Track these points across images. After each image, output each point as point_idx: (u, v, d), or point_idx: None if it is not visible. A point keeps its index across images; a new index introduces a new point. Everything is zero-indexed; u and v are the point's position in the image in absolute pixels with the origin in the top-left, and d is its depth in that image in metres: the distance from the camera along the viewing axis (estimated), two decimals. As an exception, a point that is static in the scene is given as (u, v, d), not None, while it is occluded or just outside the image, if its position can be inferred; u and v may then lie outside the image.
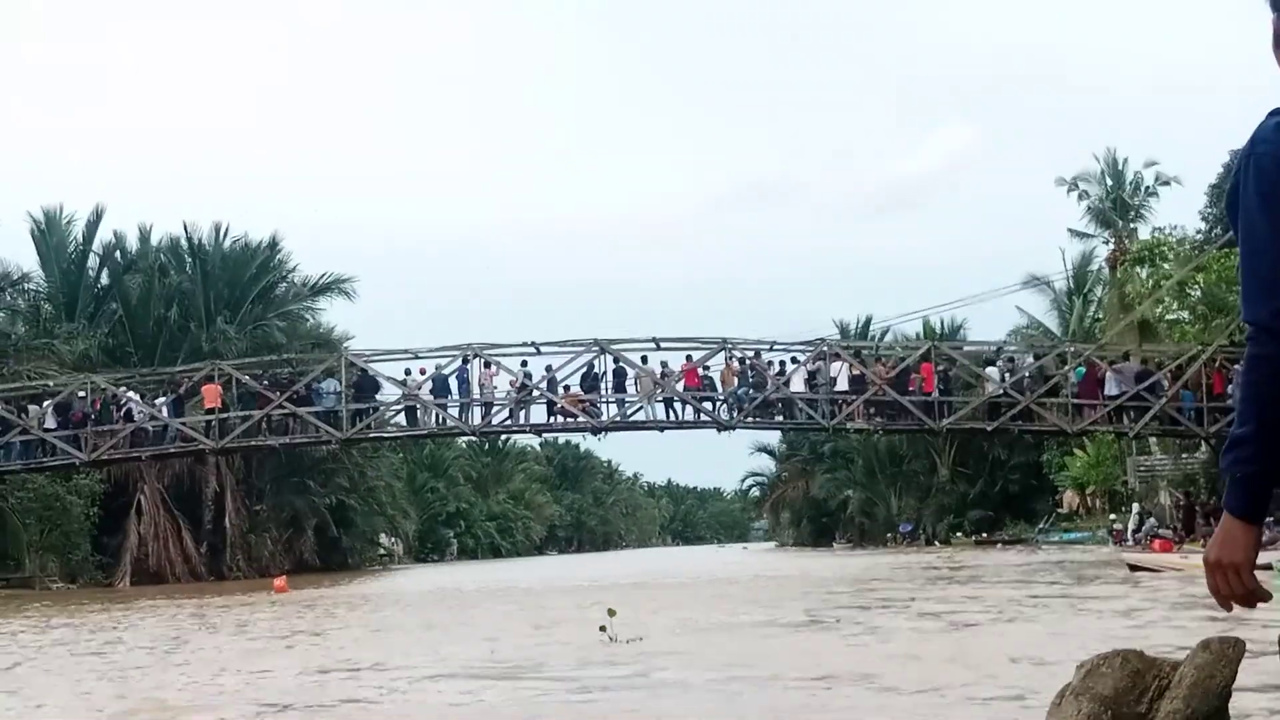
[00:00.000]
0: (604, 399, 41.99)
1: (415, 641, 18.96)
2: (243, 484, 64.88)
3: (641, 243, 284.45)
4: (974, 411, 43.48)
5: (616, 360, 41.58)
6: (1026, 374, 43.30)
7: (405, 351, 42.55)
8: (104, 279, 67.28)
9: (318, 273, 71.79)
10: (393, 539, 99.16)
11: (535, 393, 41.68)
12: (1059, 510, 73.82)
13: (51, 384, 45.71)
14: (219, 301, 66.52)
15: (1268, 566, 17.89)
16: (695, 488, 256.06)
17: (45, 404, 43.34)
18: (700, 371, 41.90)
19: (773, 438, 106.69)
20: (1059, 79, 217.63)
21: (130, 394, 43.59)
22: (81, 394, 43.43)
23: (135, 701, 12.77)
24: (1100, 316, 65.73)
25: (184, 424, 43.51)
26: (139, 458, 46.42)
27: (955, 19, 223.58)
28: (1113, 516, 58.66)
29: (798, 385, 42.09)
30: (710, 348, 42.16)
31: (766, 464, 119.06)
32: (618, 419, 42.30)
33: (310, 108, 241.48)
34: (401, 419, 44.49)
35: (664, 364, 41.67)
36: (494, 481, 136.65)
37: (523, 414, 42.72)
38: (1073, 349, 46.15)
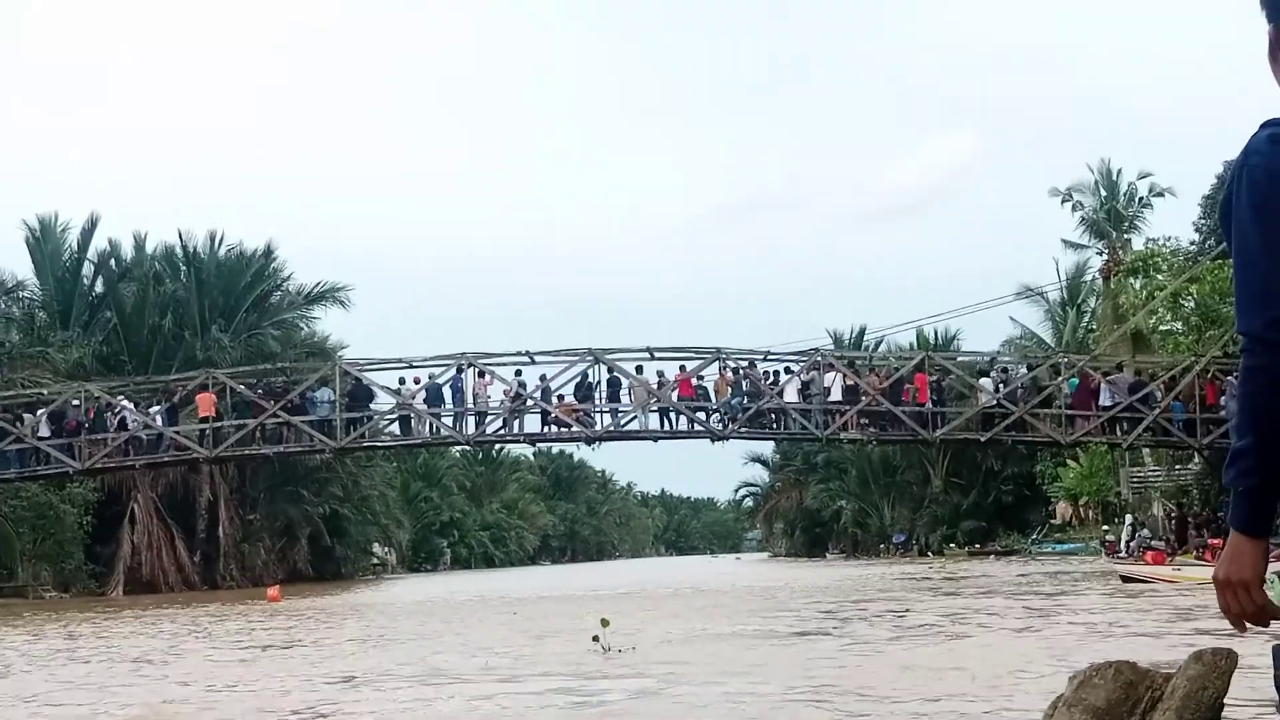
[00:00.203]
0: (598, 408, 41.98)
1: (408, 652, 18.93)
2: (236, 493, 64.82)
3: (638, 251, 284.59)
4: (967, 422, 43.51)
5: (611, 370, 41.59)
6: (1020, 385, 43.30)
7: (399, 361, 42.49)
8: (99, 287, 67.22)
9: (312, 281, 71.79)
10: (386, 548, 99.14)
11: (529, 402, 41.66)
12: (1052, 521, 73.83)
13: (46, 392, 45.64)
14: (214, 310, 66.43)
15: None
16: (689, 498, 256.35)
17: (39, 412, 43.26)
18: (694, 381, 41.89)
19: (766, 448, 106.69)
20: (1054, 91, 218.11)
21: (124, 402, 43.51)
22: (75, 402, 43.34)
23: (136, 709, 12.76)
24: (1094, 327, 65.76)
25: (178, 433, 43.45)
26: (133, 466, 46.33)
27: (952, 30, 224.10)
28: (1106, 528, 58.69)
29: (791, 395, 42.10)
30: (704, 357, 42.15)
31: (760, 474, 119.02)
32: (612, 429, 42.25)
33: (308, 114, 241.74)
34: (395, 428, 44.45)
35: (660, 374, 41.67)
36: (488, 491, 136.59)
37: (517, 423, 42.67)
38: (1066, 360, 46.16)
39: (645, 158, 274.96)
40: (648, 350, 41.81)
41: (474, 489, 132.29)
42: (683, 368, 41.79)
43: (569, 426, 42.28)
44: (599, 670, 14.71)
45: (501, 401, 41.90)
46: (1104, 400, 42.14)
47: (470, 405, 41.78)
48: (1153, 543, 46.64)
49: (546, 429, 42.87)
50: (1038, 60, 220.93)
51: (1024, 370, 45.53)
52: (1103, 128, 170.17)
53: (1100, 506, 65.76)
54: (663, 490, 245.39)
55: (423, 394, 41.68)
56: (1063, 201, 65.64)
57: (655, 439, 42.47)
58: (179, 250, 68.66)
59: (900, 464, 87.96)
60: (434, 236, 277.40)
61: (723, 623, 22.76)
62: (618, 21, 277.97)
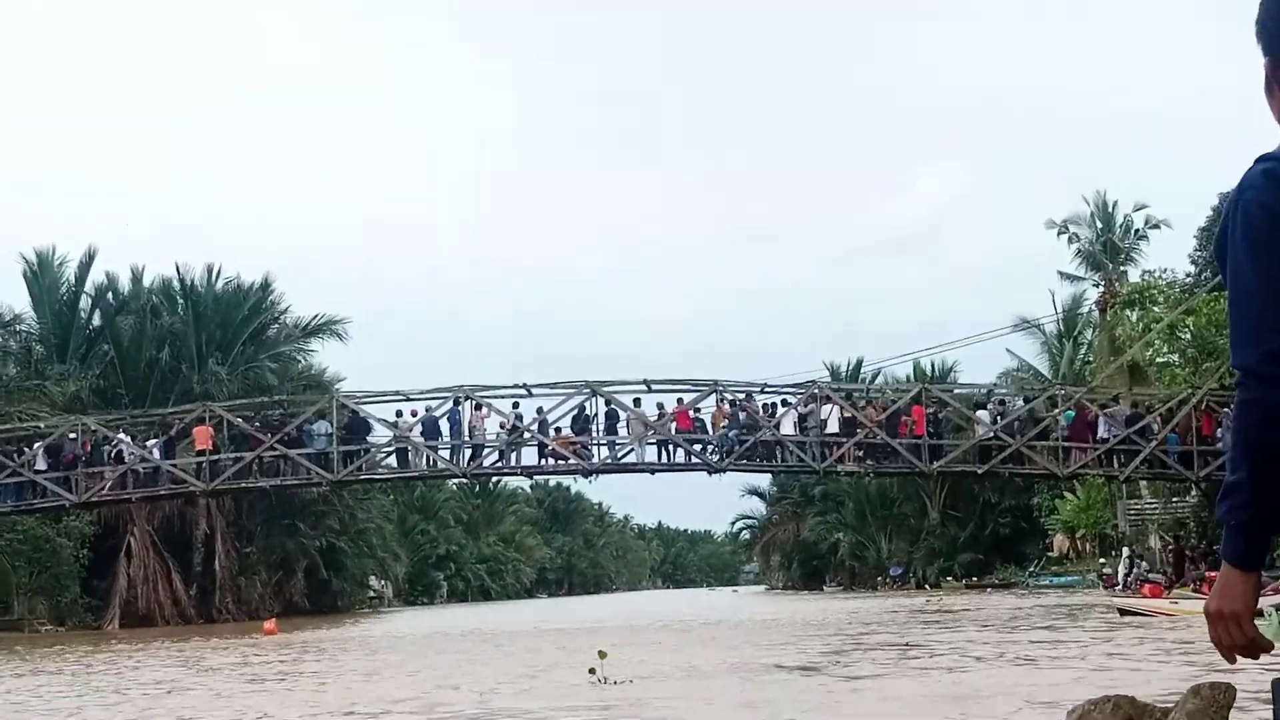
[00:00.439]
0: (595, 441, 41.97)
1: (406, 685, 18.89)
2: (233, 526, 64.71)
3: (634, 286, 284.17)
4: (965, 454, 43.51)
5: (608, 402, 41.59)
6: (1017, 417, 43.30)
7: (396, 393, 42.48)
8: (96, 320, 67.21)
9: (310, 314, 71.76)
10: (383, 581, 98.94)
11: (526, 435, 41.65)
12: (1049, 554, 73.72)
13: (43, 425, 45.60)
14: (210, 343, 66.40)
15: (1260, 613, 17.90)
16: (686, 530, 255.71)
17: (36, 445, 43.21)
18: (692, 413, 41.89)
19: (763, 480, 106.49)
20: (1049, 123, 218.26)
21: (121, 436, 43.48)
22: (72, 435, 43.32)
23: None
24: (1090, 359, 65.76)
25: (175, 466, 43.41)
26: (129, 499, 46.28)
27: (945, 64, 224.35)
28: (1103, 560, 58.59)
29: (788, 428, 42.10)
30: (701, 390, 42.16)
31: (757, 506, 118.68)
32: (609, 461, 42.24)
33: (304, 148, 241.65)
34: (392, 461, 44.42)
35: (660, 405, 41.66)
36: (484, 524, 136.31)
37: (514, 456, 42.65)
38: (1063, 392, 46.19)
39: (642, 194, 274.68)
40: (645, 383, 41.82)
41: (470, 522, 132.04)
42: (680, 400, 41.80)
43: (566, 459, 42.27)
44: (596, 703, 14.67)
45: (498, 434, 41.91)
46: (1101, 433, 42.16)
47: (467, 438, 41.77)
48: (1150, 575, 46.56)
49: (543, 461, 42.85)
50: (1033, 94, 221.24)
51: (1021, 402, 45.55)
52: (1098, 161, 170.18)
53: (1097, 539, 65.67)
54: (660, 523, 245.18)
55: (420, 426, 41.66)
56: (1059, 233, 65.69)
57: (652, 471, 42.44)
58: (176, 283, 68.71)
59: (897, 496, 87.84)
60: (431, 271, 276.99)
61: (719, 656, 22.71)
62: (615, 63, 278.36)
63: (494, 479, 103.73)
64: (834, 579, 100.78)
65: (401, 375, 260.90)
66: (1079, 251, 65.64)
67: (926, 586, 77.71)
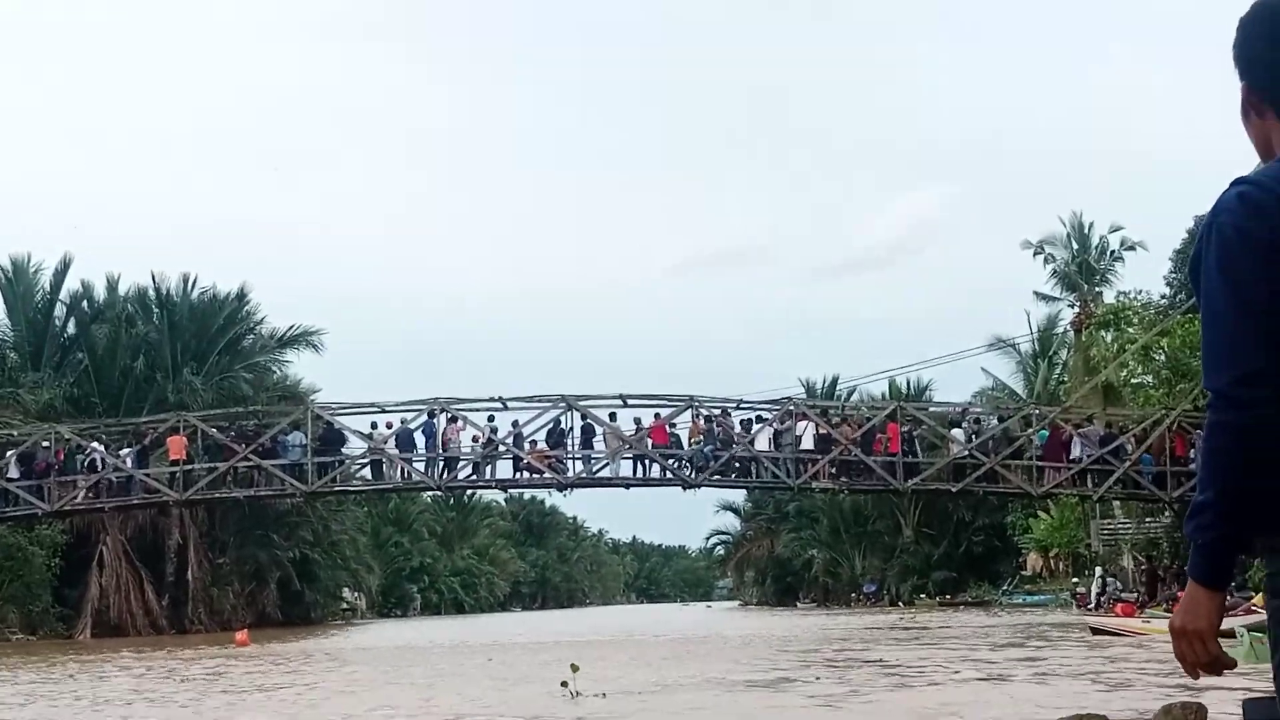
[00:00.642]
0: (570, 455, 41.94)
1: (379, 697, 18.85)
2: (206, 536, 64.48)
3: (611, 302, 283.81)
4: (939, 472, 43.58)
5: (584, 416, 41.56)
6: (991, 436, 43.40)
7: (371, 405, 42.41)
8: (70, 328, 66.82)
9: (285, 324, 71.50)
10: (356, 593, 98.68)
11: (501, 448, 41.60)
12: (1023, 572, 73.90)
13: (15, 433, 45.38)
14: (186, 352, 66.13)
15: (1231, 634, 17.95)
16: (660, 545, 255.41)
17: (9, 453, 43.00)
18: (668, 429, 41.88)
19: (738, 496, 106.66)
20: (1026, 145, 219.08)
21: (95, 445, 43.33)
22: (45, 444, 43.10)
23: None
24: (1065, 379, 65.91)
25: (148, 475, 43.25)
26: (102, 509, 46.05)
27: (925, 85, 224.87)
28: (1075, 579, 58.71)
29: (763, 444, 42.10)
30: (677, 405, 42.15)
31: (731, 522, 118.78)
32: (584, 475, 42.21)
33: (281, 160, 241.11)
34: (367, 473, 44.34)
35: (637, 420, 41.62)
36: (458, 537, 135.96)
37: (488, 469, 42.61)
38: (1037, 411, 46.30)
39: (618, 211, 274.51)
40: (620, 397, 41.79)
41: (445, 534, 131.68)
42: (657, 415, 41.78)
43: (541, 472, 42.24)
44: (568, 716, 14.67)
45: (473, 447, 41.86)
46: (1075, 452, 42.26)
47: (442, 450, 41.70)
48: (1123, 595, 46.69)
49: (518, 475, 42.80)
50: (1010, 115, 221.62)
51: (995, 421, 45.64)
52: (1074, 182, 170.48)
53: (1071, 558, 65.81)
54: (634, 537, 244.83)
55: (394, 439, 41.60)
56: (1035, 254, 65.91)
57: (627, 486, 42.44)
58: (152, 292, 68.42)
59: (872, 514, 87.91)
60: (406, 283, 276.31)
61: (691, 670, 22.71)
62: (594, 81, 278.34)
63: (468, 492, 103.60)
64: (808, 595, 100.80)
65: (378, 388, 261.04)
66: (1055, 272, 65.89)
67: (900, 604, 77.84)
